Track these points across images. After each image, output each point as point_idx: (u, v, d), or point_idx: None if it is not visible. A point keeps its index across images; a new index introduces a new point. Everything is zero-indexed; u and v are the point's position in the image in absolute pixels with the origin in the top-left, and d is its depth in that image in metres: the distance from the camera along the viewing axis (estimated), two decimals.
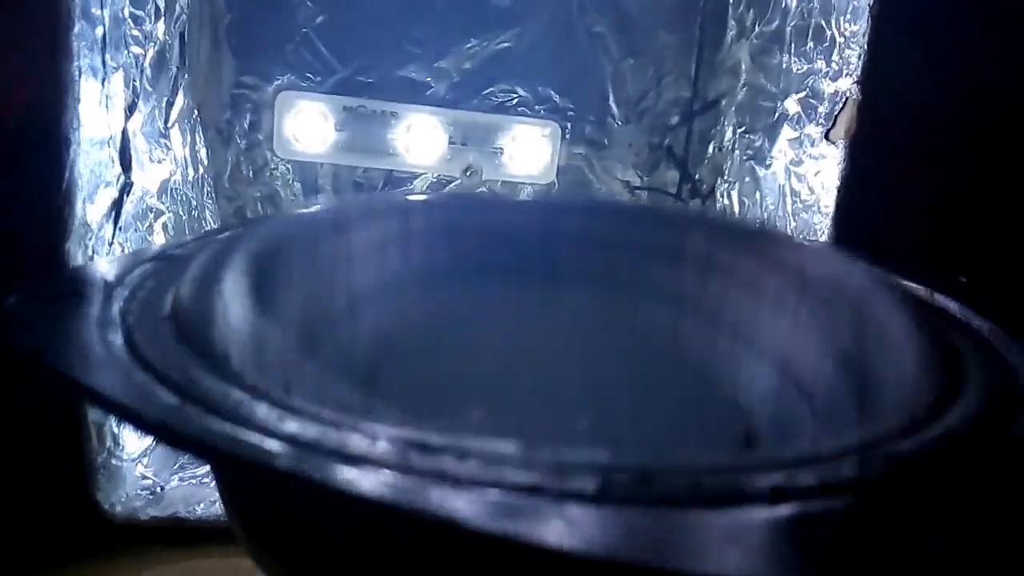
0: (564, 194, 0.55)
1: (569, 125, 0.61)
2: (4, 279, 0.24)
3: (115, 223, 0.42)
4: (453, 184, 0.62)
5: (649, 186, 0.62)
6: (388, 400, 0.26)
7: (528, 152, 0.60)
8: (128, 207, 0.44)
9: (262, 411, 0.19)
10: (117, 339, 0.23)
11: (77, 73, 0.37)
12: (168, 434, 0.19)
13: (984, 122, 0.34)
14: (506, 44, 0.60)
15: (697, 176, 0.60)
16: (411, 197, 0.42)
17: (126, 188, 0.43)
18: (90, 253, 0.39)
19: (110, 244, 0.41)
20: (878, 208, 0.38)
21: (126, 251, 0.43)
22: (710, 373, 0.31)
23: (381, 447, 0.17)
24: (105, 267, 0.34)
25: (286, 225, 0.35)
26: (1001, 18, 0.33)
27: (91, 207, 0.39)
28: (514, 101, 0.61)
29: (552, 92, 0.61)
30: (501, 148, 0.60)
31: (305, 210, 0.40)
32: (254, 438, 0.18)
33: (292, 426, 0.18)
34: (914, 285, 0.31)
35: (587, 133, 0.62)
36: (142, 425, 0.19)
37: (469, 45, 0.59)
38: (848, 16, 0.40)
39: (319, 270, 0.33)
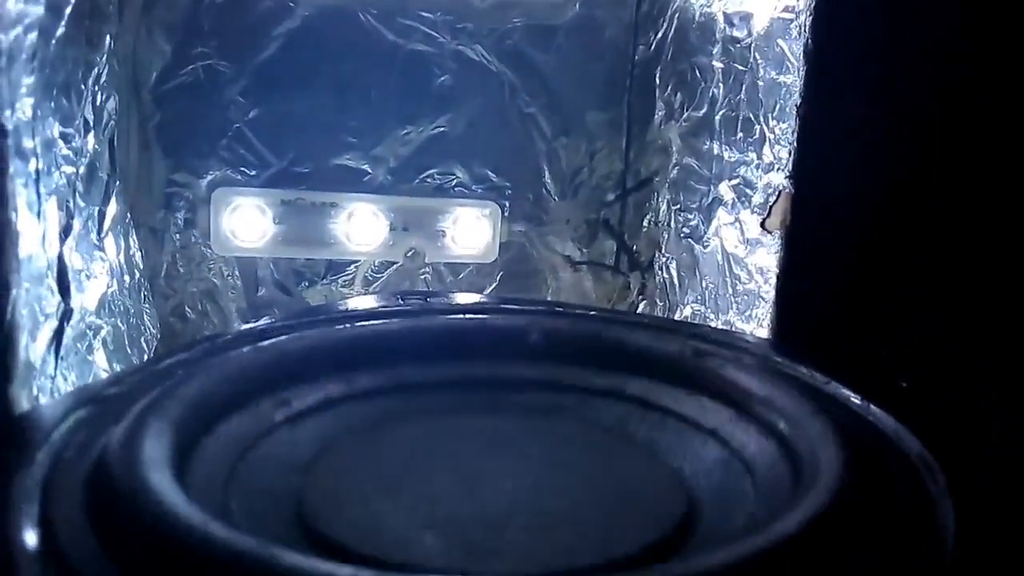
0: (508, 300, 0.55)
1: (507, 203, 0.62)
2: None
3: (56, 354, 0.41)
4: (394, 267, 0.62)
5: (589, 260, 0.63)
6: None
7: (470, 232, 0.61)
8: (68, 332, 0.42)
9: None
10: (31, 524, 0.23)
11: (14, 215, 0.35)
12: None
13: (917, 214, 0.36)
14: (441, 128, 0.60)
15: (635, 248, 0.62)
16: (351, 310, 0.42)
17: (66, 315, 0.42)
18: (35, 393, 0.38)
19: (52, 378, 0.40)
20: (817, 299, 0.40)
21: (68, 379, 0.42)
22: (657, 448, 0.32)
23: None
24: (38, 417, 0.32)
25: (220, 367, 0.34)
26: (931, 114, 0.35)
27: (33, 345, 0.38)
28: (452, 183, 0.61)
29: (489, 172, 0.62)
30: (443, 230, 0.61)
31: (245, 331, 0.40)
32: None
33: None
34: (851, 395, 0.33)
35: (526, 210, 0.63)
36: None
37: (405, 131, 0.60)
38: (775, 114, 0.42)
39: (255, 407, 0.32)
